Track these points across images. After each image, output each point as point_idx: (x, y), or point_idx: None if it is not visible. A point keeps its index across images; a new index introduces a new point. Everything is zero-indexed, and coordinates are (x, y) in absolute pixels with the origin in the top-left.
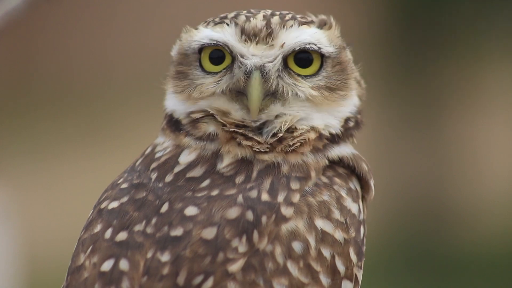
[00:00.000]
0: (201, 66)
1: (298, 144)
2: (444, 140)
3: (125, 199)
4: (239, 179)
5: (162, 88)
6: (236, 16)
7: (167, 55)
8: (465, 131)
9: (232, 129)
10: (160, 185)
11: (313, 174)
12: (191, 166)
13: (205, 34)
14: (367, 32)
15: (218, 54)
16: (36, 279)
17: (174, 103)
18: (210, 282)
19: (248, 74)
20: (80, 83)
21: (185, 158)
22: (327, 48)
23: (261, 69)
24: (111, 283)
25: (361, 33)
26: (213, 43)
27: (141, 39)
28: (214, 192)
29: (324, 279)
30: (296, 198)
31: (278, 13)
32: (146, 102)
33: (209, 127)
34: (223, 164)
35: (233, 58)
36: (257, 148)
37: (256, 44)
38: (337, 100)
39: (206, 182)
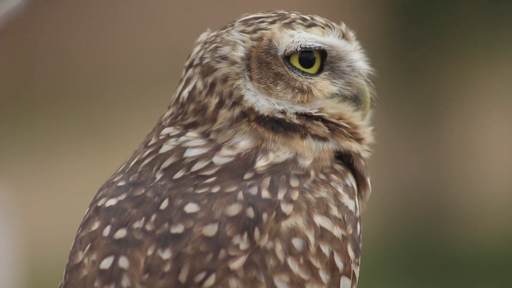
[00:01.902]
0: (294, 67)
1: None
2: (444, 140)
3: (122, 196)
4: (248, 175)
5: (166, 88)
6: (313, 18)
7: (168, 55)
8: (465, 131)
9: (355, 125)
10: (162, 182)
11: (312, 172)
12: (215, 165)
13: (308, 37)
14: (367, 31)
15: (308, 55)
16: (36, 279)
17: (280, 104)
18: (212, 279)
19: (361, 78)
20: (80, 83)
21: (222, 159)
22: None
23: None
24: (111, 281)
25: (361, 33)
26: (323, 47)
27: (141, 39)
28: (215, 189)
29: (324, 276)
30: (295, 195)
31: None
32: (146, 102)
33: (324, 127)
34: (265, 162)
35: (327, 61)
36: (365, 142)
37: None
38: None
39: (211, 179)
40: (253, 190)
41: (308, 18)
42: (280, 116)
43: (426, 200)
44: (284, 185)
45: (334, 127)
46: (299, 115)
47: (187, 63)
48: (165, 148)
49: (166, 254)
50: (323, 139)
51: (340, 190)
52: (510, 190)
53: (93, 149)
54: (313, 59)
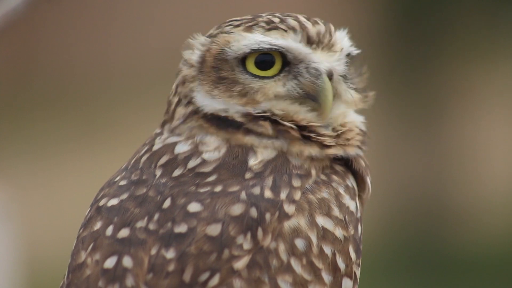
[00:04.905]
0: (246, 70)
1: (353, 137)
2: (444, 140)
3: (124, 196)
4: (248, 175)
5: (165, 89)
6: (293, 21)
7: (167, 55)
8: (465, 130)
9: (303, 124)
10: (163, 180)
11: (313, 172)
12: (210, 162)
13: (260, 39)
14: (367, 31)
15: (265, 58)
16: (36, 279)
17: (224, 105)
18: (216, 279)
19: (318, 78)
20: (80, 83)
21: (212, 155)
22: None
23: (330, 72)
24: (115, 280)
25: (361, 33)
26: (275, 49)
27: (141, 39)
28: (218, 188)
29: (326, 277)
30: (298, 195)
31: (317, 18)
32: (146, 102)
33: (275, 126)
34: (257, 160)
35: (289, 63)
36: (329, 142)
37: (322, 50)
38: (363, 101)
39: (212, 177)
40: (256, 190)
41: (276, 20)
42: (223, 114)
43: (426, 200)
44: (287, 185)
45: (283, 129)
46: (243, 114)
47: None
48: (156, 146)
49: (170, 254)
50: (273, 137)
51: (341, 190)
52: (510, 190)
53: (93, 149)
54: (270, 61)
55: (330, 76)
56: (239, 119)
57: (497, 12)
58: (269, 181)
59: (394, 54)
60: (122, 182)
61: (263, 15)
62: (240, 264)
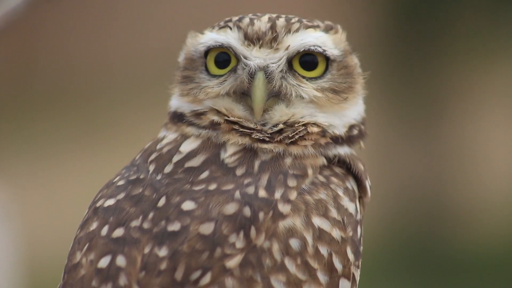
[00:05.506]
0: (206, 69)
1: (298, 136)
2: (444, 140)
3: (121, 196)
4: (239, 172)
5: (165, 89)
6: (240, 20)
7: (167, 55)
8: (465, 131)
9: (234, 119)
10: (158, 177)
11: (310, 172)
12: (191, 155)
13: (210, 37)
14: (367, 32)
15: (223, 57)
16: (36, 279)
17: (179, 104)
18: (207, 277)
19: (251, 75)
20: (80, 83)
21: (187, 146)
22: (332, 51)
23: (265, 69)
24: (108, 280)
25: (360, 33)
26: (218, 45)
27: (141, 40)
28: (212, 187)
29: (322, 277)
30: (293, 195)
31: (284, 16)
32: (145, 102)
33: (213, 117)
34: (227, 154)
35: (238, 60)
36: (256, 135)
37: (260, 47)
38: (341, 102)
39: (204, 174)
40: (250, 189)
41: (234, 19)
42: (179, 111)
43: (426, 200)
44: (282, 184)
45: (217, 122)
46: (191, 111)
47: None
48: (148, 144)
49: (163, 252)
50: (208, 128)
51: (340, 192)
52: (510, 190)
53: (93, 149)
54: (226, 60)
55: (267, 73)
56: (188, 114)
57: (497, 12)
58: (263, 181)
59: (394, 55)
60: (120, 182)
61: (241, 16)
62: (232, 262)
